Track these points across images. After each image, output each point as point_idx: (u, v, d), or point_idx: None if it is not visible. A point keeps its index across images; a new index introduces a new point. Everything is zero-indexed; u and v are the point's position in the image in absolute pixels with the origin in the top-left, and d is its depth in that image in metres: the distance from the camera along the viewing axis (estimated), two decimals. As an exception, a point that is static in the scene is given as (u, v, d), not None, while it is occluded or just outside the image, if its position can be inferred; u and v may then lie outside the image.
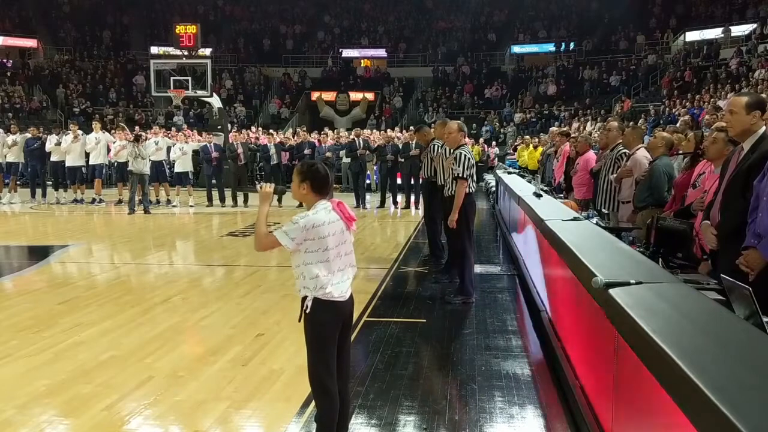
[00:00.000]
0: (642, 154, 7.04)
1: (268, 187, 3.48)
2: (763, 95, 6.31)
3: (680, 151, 6.70)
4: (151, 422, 3.94)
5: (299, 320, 3.35)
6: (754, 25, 27.40)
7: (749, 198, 3.69)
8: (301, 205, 13.36)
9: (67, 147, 16.15)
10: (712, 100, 19.91)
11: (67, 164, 16.28)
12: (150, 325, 5.98)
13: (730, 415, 1.50)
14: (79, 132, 16.63)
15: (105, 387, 4.44)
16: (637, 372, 2.34)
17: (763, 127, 3.85)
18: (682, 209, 5.32)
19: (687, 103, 21.61)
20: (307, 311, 3.29)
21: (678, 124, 12.93)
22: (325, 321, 3.30)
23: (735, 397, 1.60)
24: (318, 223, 3.25)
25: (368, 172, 17.97)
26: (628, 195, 7.08)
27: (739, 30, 28.32)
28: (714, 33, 29.04)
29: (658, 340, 2.06)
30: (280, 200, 14.02)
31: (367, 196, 16.97)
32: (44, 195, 17.08)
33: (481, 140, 26.63)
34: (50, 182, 17.09)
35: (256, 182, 19.62)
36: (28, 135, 17.36)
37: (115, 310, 6.51)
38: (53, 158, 16.44)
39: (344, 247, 3.38)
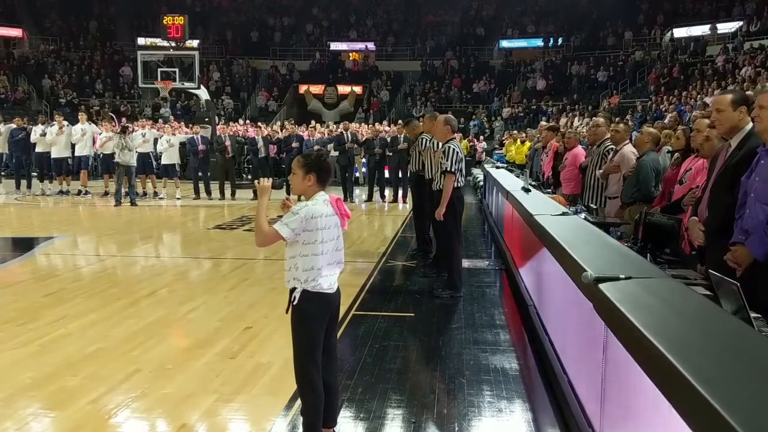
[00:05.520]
0: (629, 150, 7.06)
1: (267, 181, 3.47)
2: (749, 92, 6.36)
3: (669, 148, 6.73)
4: (137, 415, 3.92)
5: (286, 312, 3.35)
6: (741, 23, 27.56)
7: (737, 194, 3.71)
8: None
9: (53, 138, 16.04)
10: (699, 96, 20.04)
11: (53, 155, 16.18)
12: (137, 318, 5.94)
13: (719, 408, 1.51)
14: (65, 123, 16.52)
15: (91, 380, 4.41)
16: (625, 366, 2.35)
17: (750, 123, 3.87)
18: (669, 204, 5.35)
19: (674, 100, 21.74)
20: (295, 303, 3.29)
21: (666, 121, 13.00)
22: (312, 313, 3.30)
23: (723, 390, 1.61)
24: (316, 215, 3.27)
25: (356, 166, 17.95)
26: (615, 191, 7.10)
27: (725, 27, 28.47)
28: (701, 30, 29.19)
29: (648, 334, 2.07)
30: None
31: (355, 190, 16.96)
32: (29, 186, 16.95)
33: (471, 135, 26.66)
34: (35, 173, 16.94)
35: (244, 175, 19.55)
36: (13, 125, 17.23)
37: (101, 302, 6.47)
38: (38, 149, 16.32)
39: (338, 242, 3.40)
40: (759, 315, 3.01)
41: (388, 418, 3.87)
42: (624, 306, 2.39)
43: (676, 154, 6.17)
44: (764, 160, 3.54)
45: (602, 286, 2.70)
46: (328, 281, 3.33)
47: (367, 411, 3.95)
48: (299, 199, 3.48)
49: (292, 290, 3.31)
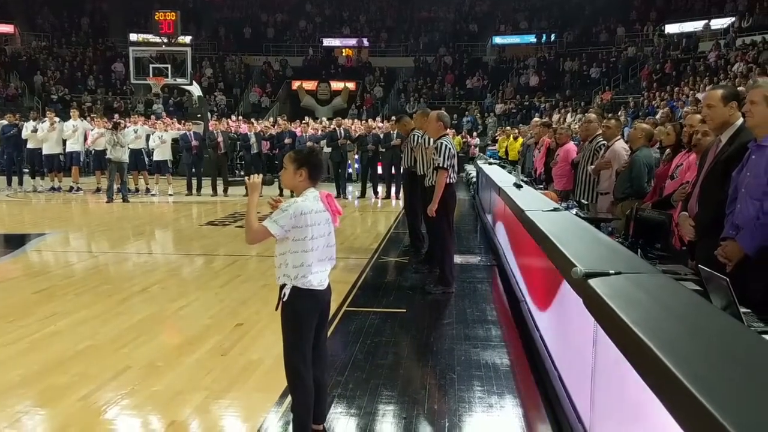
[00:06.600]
0: (620, 146, 7.07)
1: (257, 178, 3.46)
2: (740, 88, 6.37)
3: (660, 144, 6.73)
4: (128, 412, 3.91)
5: (276, 309, 3.34)
6: (733, 19, 27.62)
7: (727, 189, 3.71)
8: (281, 194, 13.28)
9: (44, 135, 15.99)
10: (691, 92, 20.07)
11: (44, 152, 16.12)
12: (128, 315, 5.92)
13: (707, 404, 1.50)
14: (56, 119, 16.46)
15: (81, 377, 4.39)
16: (615, 362, 2.35)
17: (741, 119, 3.87)
18: (660, 200, 5.36)
19: (666, 95, 21.76)
20: (285, 299, 3.28)
21: (658, 117, 13.03)
22: (302, 309, 3.29)
23: (712, 386, 1.60)
24: (306, 211, 3.25)
25: (349, 162, 17.93)
26: (607, 186, 7.11)
27: (717, 23, 28.54)
28: (693, 26, 29.26)
29: (637, 330, 2.07)
30: (261, 190, 13.94)
31: (348, 186, 16.95)
32: (21, 183, 16.88)
33: (464, 131, 26.66)
34: (27, 170, 16.88)
35: (236, 171, 19.50)
36: (5, 122, 17.15)
37: (92, 299, 6.44)
38: (30, 145, 16.25)
39: (329, 239, 3.39)
40: (748, 310, 3.01)
41: (379, 413, 3.87)
42: (613, 301, 2.39)
43: (668, 150, 6.17)
44: (755, 155, 3.55)
45: (592, 282, 2.69)
46: (318, 278, 3.32)
47: (358, 407, 3.95)
48: (291, 195, 3.46)
49: (282, 287, 3.30)
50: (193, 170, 16.22)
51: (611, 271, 2.81)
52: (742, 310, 2.79)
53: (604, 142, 7.37)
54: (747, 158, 3.61)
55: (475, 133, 27.09)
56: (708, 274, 3.02)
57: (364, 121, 21.46)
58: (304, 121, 21.09)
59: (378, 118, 24.11)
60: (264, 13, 39.15)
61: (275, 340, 4.43)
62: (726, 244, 3.57)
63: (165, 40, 19.89)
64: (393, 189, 15.61)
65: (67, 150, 16.60)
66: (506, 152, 18.80)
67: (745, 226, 3.48)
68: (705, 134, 4.79)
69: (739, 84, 16.52)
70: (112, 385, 4.27)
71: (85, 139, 16.61)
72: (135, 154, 15.56)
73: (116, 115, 21.85)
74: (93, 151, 16.44)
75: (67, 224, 11.81)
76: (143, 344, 5.13)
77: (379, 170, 16.29)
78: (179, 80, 19.89)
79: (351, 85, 33.21)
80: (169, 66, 19.80)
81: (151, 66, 19.57)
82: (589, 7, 35.40)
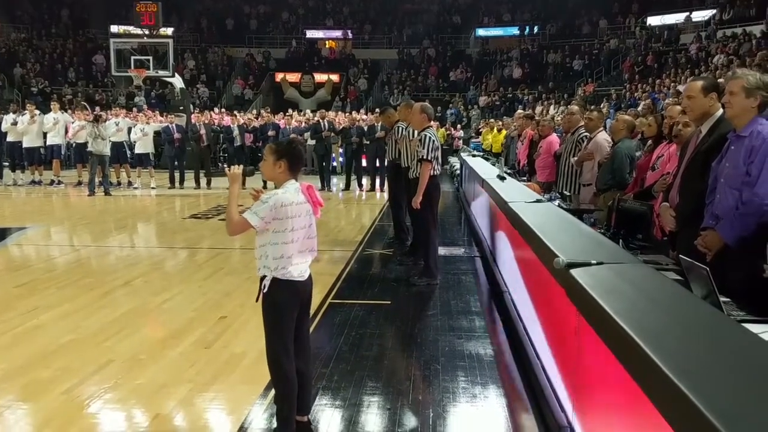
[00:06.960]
0: (603, 137, 7.11)
1: (237, 169, 3.46)
2: (720, 79, 6.42)
3: (642, 135, 6.78)
4: (111, 406, 3.89)
5: (257, 300, 3.35)
6: (714, 11, 27.81)
7: (707, 180, 3.75)
8: (265, 186, 13.27)
9: (24, 128, 15.83)
10: (672, 84, 20.21)
11: (25, 145, 15.96)
12: (110, 308, 5.89)
13: (690, 395, 1.52)
14: (37, 112, 16.31)
15: (64, 371, 4.36)
16: (597, 351, 2.37)
17: (720, 110, 3.91)
18: (642, 191, 5.41)
19: (648, 87, 21.91)
20: (265, 291, 3.28)
21: (639, 108, 13.11)
22: (282, 301, 3.29)
23: (695, 377, 1.62)
24: (286, 203, 3.25)
25: (333, 155, 17.90)
26: (590, 178, 7.16)
27: (699, 15, 28.72)
28: (675, 18, 29.43)
29: (618, 318, 2.09)
30: (243, 182, 13.88)
31: (333, 179, 16.93)
32: (1, 176, 16.70)
33: (448, 123, 26.69)
34: (7, 163, 16.72)
35: (219, 164, 19.41)
36: (-16, 115, 16.94)
37: (74, 293, 6.40)
38: (9, 138, 16.09)
39: (310, 230, 3.39)
40: (728, 299, 3.05)
41: (363, 405, 3.88)
42: (595, 291, 2.41)
43: (649, 141, 6.22)
44: (734, 146, 3.59)
45: (574, 272, 2.71)
46: (298, 269, 3.32)
47: (343, 399, 3.96)
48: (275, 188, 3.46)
49: (263, 278, 3.31)
50: (176, 163, 16.13)
51: (593, 262, 2.84)
52: (722, 299, 2.83)
53: (587, 133, 7.41)
54: (726, 149, 3.65)
55: (458, 126, 27.14)
56: (688, 264, 3.06)
57: (348, 114, 21.44)
58: (287, 114, 21.00)
59: (362, 111, 24.08)
60: (246, 4, 38.89)
61: (259, 332, 4.41)
62: (706, 234, 3.61)
63: (146, 32, 19.77)
64: (377, 181, 15.62)
65: (48, 143, 16.45)
66: (490, 144, 18.83)
67: (725, 216, 3.52)
68: (685, 125, 4.82)
69: (720, 76, 16.64)
70: (95, 379, 4.24)
71: (66, 131, 16.46)
72: (117, 147, 15.45)
73: (97, 108, 21.70)
74: (74, 144, 16.28)
75: (49, 218, 11.71)
76: (126, 337, 5.11)
77: (364, 162, 16.29)
78: (161, 72, 19.80)
79: (335, 77, 33.14)
80: (150, 58, 19.68)
81: (132, 58, 19.44)
82: (572, -1, 35.54)
